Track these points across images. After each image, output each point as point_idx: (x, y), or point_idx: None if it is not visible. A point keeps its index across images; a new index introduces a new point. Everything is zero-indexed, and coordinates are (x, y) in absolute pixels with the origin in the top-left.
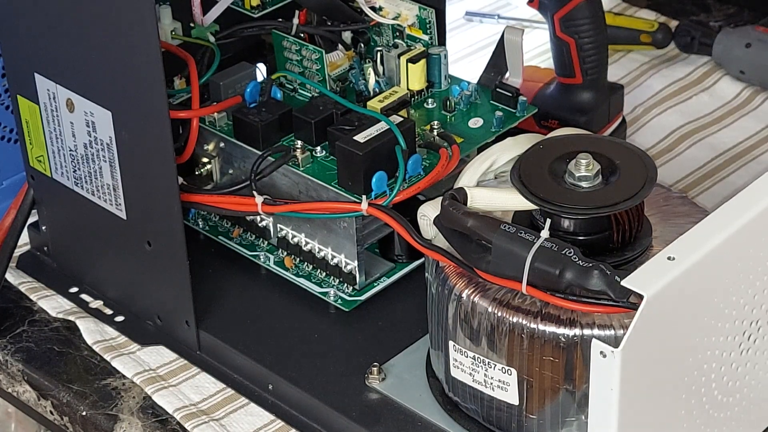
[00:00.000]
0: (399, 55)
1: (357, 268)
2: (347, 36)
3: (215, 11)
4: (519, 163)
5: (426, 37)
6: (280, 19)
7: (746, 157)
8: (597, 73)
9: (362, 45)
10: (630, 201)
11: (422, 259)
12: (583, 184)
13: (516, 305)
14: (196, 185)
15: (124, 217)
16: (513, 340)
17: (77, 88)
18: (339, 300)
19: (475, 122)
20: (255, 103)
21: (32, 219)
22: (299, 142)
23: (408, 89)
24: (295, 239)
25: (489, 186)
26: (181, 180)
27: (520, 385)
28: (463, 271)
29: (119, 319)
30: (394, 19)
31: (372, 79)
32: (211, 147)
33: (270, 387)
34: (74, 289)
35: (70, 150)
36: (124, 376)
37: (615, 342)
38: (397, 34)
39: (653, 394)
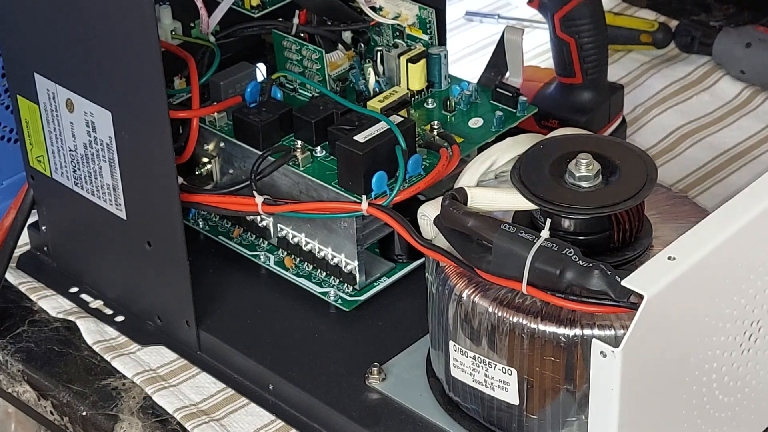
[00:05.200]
0: (399, 55)
1: (357, 268)
2: (347, 36)
3: (217, 14)
4: (519, 163)
5: (426, 37)
6: (280, 19)
7: (746, 157)
8: (597, 73)
9: (362, 45)
10: (630, 201)
11: (422, 259)
12: (584, 184)
13: (516, 305)
14: (196, 185)
15: (124, 217)
16: (513, 340)
17: (77, 88)
18: (339, 300)
19: (475, 122)
20: (255, 103)
21: (32, 219)
22: (299, 142)
23: (408, 89)
24: (296, 239)
25: (489, 186)
26: (181, 180)
27: (521, 385)
28: (463, 271)
29: (119, 319)
30: (394, 19)
31: (372, 79)
32: (211, 147)
33: (270, 387)
34: (74, 289)
35: (70, 150)
36: (124, 376)
37: (615, 342)
38: (397, 34)
39: (654, 393)
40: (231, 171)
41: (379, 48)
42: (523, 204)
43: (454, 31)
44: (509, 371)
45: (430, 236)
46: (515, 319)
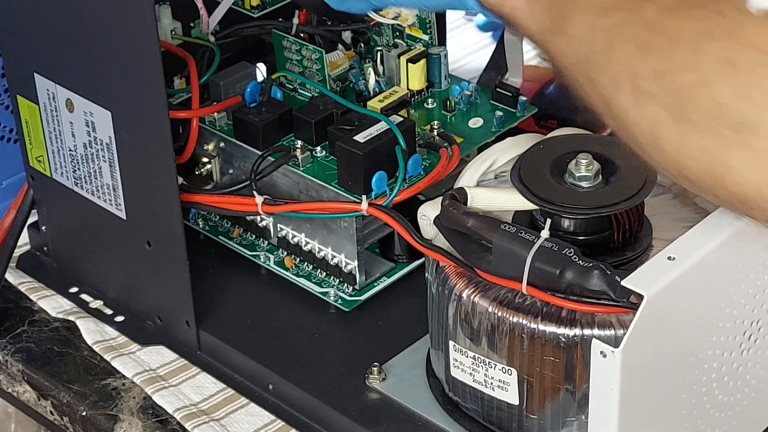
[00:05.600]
0: (399, 55)
1: (357, 268)
2: (347, 36)
3: (217, 14)
4: (519, 163)
5: (426, 37)
6: (280, 19)
7: None
8: None
9: (362, 45)
10: (630, 201)
11: (422, 259)
12: (583, 184)
13: (516, 305)
14: (196, 185)
15: (124, 217)
16: (513, 340)
17: (77, 88)
18: (339, 300)
19: (475, 122)
20: (255, 103)
21: (32, 219)
22: (299, 142)
23: (408, 89)
24: (295, 239)
25: (489, 186)
26: (181, 180)
27: (521, 385)
28: (463, 271)
29: (119, 319)
30: (394, 18)
31: (372, 79)
32: (211, 147)
33: (270, 387)
34: (74, 289)
35: (70, 150)
36: (124, 376)
37: (615, 342)
38: (397, 33)
39: (654, 393)
40: (231, 171)
41: (379, 48)
42: (523, 204)
43: (454, 31)
44: (509, 371)
45: (430, 236)
46: (515, 319)
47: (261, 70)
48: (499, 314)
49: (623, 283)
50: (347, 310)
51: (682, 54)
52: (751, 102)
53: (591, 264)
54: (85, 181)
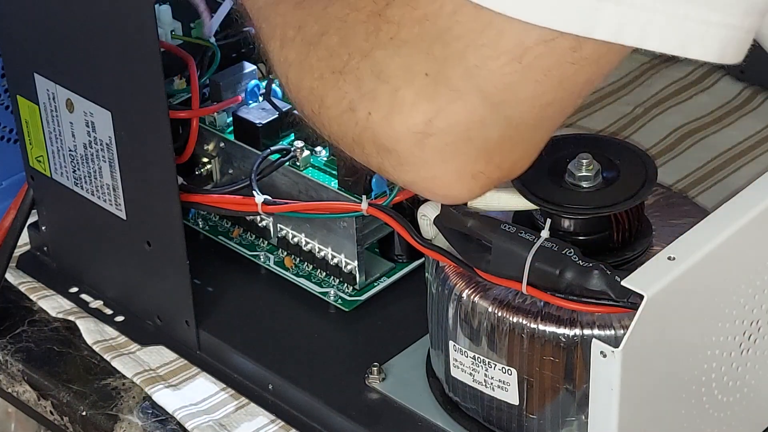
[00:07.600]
0: None
1: (357, 268)
2: None
3: (218, 17)
4: None
5: None
6: None
7: (746, 157)
8: None
9: None
10: (630, 201)
11: (422, 259)
12: (584, 184)
13: (516, 305)
14: (196, 185)
15: (124, 217)
16: (513, 340)
17: (77, 88)
18: (339, 300)
19: None
20: (255, 102)
21: (32, 219)
22: (299, 142)
23: None
24: (295, 239)
25: None
26: (181, 180)
27: (521, 385)
28: (463, 271)
29: (119, 319)
30: None
31: None
32: (211, 147)
33: (270, 387)
34: (74, 289)
35: (70, 150)
36: (124, 376)
37: (615, 342)
38: None
39: (653, 393)
40: (231, 171)
41: None
42: (523, 204)
43: None
44: (509, 371)
45: (430, 236)
46: (515, 319)
47: (261, 70)
48: (499, 314)
49: (623, 283)
50: (347, 310)
51: (318, 9)
52: (347, 49)
53: (591, 264)
54: (85, 181)
